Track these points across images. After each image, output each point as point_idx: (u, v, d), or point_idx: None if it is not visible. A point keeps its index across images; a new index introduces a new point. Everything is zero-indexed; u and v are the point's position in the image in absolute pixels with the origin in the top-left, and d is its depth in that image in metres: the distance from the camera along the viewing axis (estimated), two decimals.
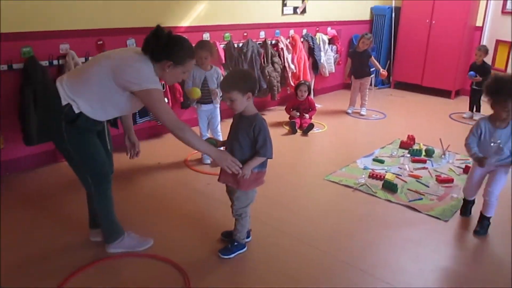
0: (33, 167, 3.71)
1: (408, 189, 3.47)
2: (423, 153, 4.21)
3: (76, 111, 2.14)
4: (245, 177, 2.32)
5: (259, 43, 5.27)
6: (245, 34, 5.20)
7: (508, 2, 6.20)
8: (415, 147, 4.35)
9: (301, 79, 5.57)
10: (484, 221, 2.86)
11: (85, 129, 2.23)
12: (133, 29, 4.11)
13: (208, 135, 3.89)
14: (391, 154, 4.23)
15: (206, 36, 4.73)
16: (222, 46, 4.87)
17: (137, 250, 2.53)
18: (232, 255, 2.51)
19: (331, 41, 6.42)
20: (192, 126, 4.47)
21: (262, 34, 5.41)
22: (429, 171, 3.85)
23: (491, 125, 2.70)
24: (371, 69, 5.77)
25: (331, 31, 6.43)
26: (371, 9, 7.20)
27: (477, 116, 5.56)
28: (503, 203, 3.12)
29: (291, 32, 5.79)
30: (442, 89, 6.78)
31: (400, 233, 2.86)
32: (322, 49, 6.18)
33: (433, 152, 4.20)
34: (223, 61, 4.82)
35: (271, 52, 5.36)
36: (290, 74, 5.63)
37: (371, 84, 6.58)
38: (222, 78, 3.34)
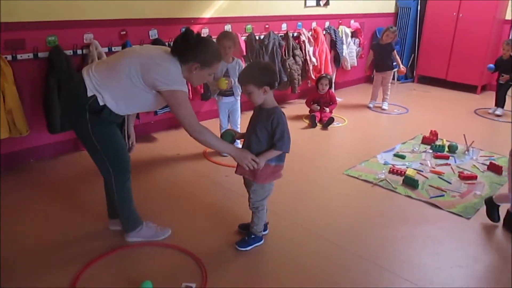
0: (56, 154, 3.79)
1: (430, 185, 3.40)
2: (446, 149, 4.12)
3: (101, 103, 2.16)
4: (259, 168, 2.31)
5: (280, 36, 5.23)
6: (267, 26, 5.17)
7: None
8: (438, 142, 4.26)
9: (323, 72, 5.52)
10: None
11: (108, 121, 2.25)
12: (156, 20, 4.13)
13: (228, 127, 3.91)
14: (413, 150, 4.16)
15: (227, 27, 4.72)
16: (243, 38, 4.86)
17: (155, 240, 2.57)
18: (249, 248, 2.52)
19: (354, 34, 6.34)
20: (212, 118, 4.54)
21: (284, 26, 5.38)
22: (451, 168, 3.77)
23: None
24: (393, 63, 5.67)
25: (354, 24, 6.34)
26: (396, 1, 7.06)
27: (499, 111, 5.43)
28: None
29: (313, 24, 5.73)
30: (468, 84, 6.62)
31: (419, 230, 2.81)
32: (344, 42, 6.10)
33: (457, 148, 4.11)
34: (245, 53, 4.81)
35: (292, 45, 5.32)
36: (311, 67, 5.58)
37: (393, 78, 6.48)
38: None
